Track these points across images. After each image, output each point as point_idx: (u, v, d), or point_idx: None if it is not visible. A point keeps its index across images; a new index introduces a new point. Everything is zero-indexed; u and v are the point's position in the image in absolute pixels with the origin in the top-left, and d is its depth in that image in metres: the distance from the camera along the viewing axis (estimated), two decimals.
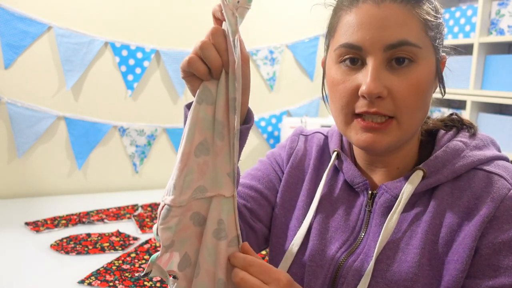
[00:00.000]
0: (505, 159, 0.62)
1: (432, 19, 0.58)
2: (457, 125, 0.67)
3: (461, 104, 2.20)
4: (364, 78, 0.56)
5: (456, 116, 0.69)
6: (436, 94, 0.67)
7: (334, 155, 0.70)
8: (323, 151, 0.75)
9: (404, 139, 0.60)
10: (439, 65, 0.61)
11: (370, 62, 0.56)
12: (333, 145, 0.72)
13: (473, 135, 0.65)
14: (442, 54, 0.63)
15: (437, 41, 0.59)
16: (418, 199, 0.61)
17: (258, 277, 0.52)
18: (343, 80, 0.59)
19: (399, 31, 0.55)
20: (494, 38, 1.96)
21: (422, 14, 0.57)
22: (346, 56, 0.59)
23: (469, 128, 0.66)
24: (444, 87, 0.65)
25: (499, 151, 0.65)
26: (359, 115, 0.58)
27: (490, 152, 0.62)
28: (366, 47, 0.56)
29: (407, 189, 0.60)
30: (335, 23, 0.62)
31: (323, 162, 0.74)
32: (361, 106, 0.57)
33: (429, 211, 0.59)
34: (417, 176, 0.60)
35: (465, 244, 0.55)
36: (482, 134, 0.66)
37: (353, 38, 0.57)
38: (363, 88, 0.56)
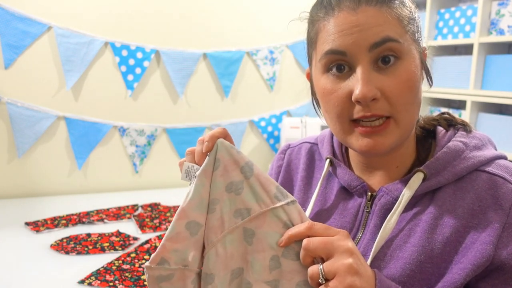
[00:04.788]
0: (504, 157, 0.63)
1: (408, 14, 0.59)
2: (452, 123, 0.68)
3: (461, 104, 2.19)
4: (356, 83, 0.56)
5: (448, 115, 0.69)
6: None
7: (327, 162, 0.70)
8: (312, 160, 0.76)
9: (404, 137, 0.60)
10: (422, 57, 0.62)
11: (358, 66, 0.57)
12: (325, 152, 0.73)
13: (469, 132, 0.65)
14: (423, 46, 0.64)
15: (416, 34, 0.61)
16: (418, 200, 0.61)
17: (323, 234, 0.53)
18: (334, 89, 0.59)
19: (380, 29, 0.56)
20: (494, 38, 1.96)
21: (398, 11, 0.58)
22: (332, 64, 0.59)
23: (464, 126, 0.66)
24: (431, 78, 0.66)
25: (495, 149, 0.65)
26: (356, 121, 0.59)
27: (490, 152, 0.62)
28: (351, 51, 0.57)
29: (407, 191, 0.60)
30: (314, 34, 0.62)
31: (312, 170, 0.75)
32: (357, 111, 0.57)
33: (430, 211, 0.59)
34: (418, 178, 0.60)
35: (476, 249, 0.55)
36: (479, 133, 0.66)
37: (335, 44, 0.57)
38: (356, 93, 0.56)
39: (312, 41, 0.64)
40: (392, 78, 0.57)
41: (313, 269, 0.52)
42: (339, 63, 0.58)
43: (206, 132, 2.50)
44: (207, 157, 0.57)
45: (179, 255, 0.56)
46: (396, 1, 0.58)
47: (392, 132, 0.58)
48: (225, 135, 0.59)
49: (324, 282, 0.50)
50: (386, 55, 0.57)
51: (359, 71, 0.56)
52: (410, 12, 0.60)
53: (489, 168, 0.60)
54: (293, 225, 0.56)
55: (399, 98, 0.57)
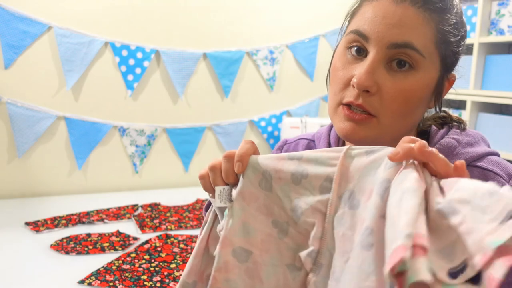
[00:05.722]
0: (496, 154, 0.63)
1: (450, 32, 0.57)
2: (448, 121, 0.68)
3: (461, 104, 2.20)
4: (360, 69, 0.57)
5: (445, 113, 0.70)
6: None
7: None
8: None
9: (382, 139, 0.60)
10: (442, 83, 0.61)
11: (371, 55, 0.57)
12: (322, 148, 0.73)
13: (463, 130, 0.65)
14: (452, 73, 0.62)
15: (448, 58, 0.59)
16: None
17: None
18: (343, 67, 0.60)
19: (408, 33, 0.55)
20: (494, 38, 1.96)
21: (439, 25, 0.57)
22: (354, 44, 0.60)
23: (459, 124, 0.67)
24: (440, 106, 0.65)
25: (489, 147, 0.66)
26: (346, 104, 0.60)
27: (482, 148, 0.63)
28: (373, 39, 0.57)
29: None
30: (356, 10, 0.63)
31: None
32: (349, 96, 0.59)
33: None
34: None
35: None
36: (472, 131, 0.66)
37: (363, 27, 0.58)
38: (354, 79, 0.57)
39: (351, 15, 0.64)
40: (395, 82, 0.57)
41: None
42: (360, 46, 0.59)
43: (206, 132, 2.50)
44: (241, 177, 0.53)
45: (232, 284, 0.52)
46: (444, 15, 0.57)
47: (370, 127, 0.59)
48: (255, 149, 0.54)
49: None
50: (402, 59, 0.56)
51: (368, 59, 0.57)
52: (454, 32, 0.58)
53: (481, 163, 0.60)
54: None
55: (392, 102, 0.57)
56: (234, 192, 0.53)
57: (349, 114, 0.59)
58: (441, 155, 0.41)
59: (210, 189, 0.55)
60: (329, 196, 0.49)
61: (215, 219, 0.56)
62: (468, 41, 2.04)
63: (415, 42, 0.55)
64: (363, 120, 0.58)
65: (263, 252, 0.53)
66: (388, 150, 0.45)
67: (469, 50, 2.08)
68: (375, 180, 0.45)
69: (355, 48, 0.59)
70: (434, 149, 0.41)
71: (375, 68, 0.56)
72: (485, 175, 0.59)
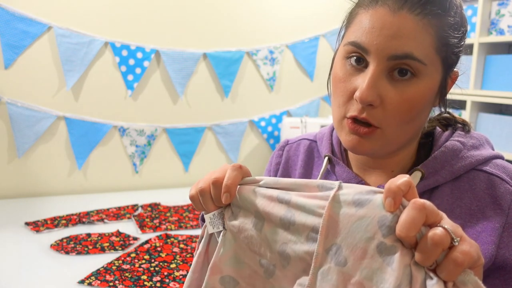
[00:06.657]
0: (501, 157, 0.63)
1: (451, 34, 0.57)
2: (452, 123, 0.68)
3: (461, 104, 2.20)
4: (361, 83, 0.56)
5: (449, 115, 0.69)
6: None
7: (325, 160, 0.71)
8: (310, 157, 0.76)
9: (389, 148, 0.60)
10: (445, 83, 0.61)
11: (371, 68, 0.56)
12: (324, 150, 0.73)
13: (468, 132, 0.65)
14: (454, 70, 0.62)
15: (449, 59, 0.58)
16: None
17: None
18: (344, 79, 0.59)
19: (407, 43, 0.54)
20: (494, 38, 1.96)
21: (439, 29, 0.56)
22: (353, 54, 0.59)
23: (463, 125, 0.66)
24: (445, 106, 0.65)
25: (493, 149, 0.65)
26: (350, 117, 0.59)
27: (487, 151, 0.62)
28: (372, 52, 0.56)
29: None
30: (352, 17, 0.62)
31: (311, 167, 0.75)
32: (353, 110, 0.58)
33: None
34: (416, 177, 0.60)
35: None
36: (477, 133, 0.66)
37: (361, 39, 0.57)
38: (356, 94, 0.56)
39: (347, 22, 0.63)
40: (399, 92, 0.56)
41: (439, 232, 0.39)
42: (359, 56, 0.58)
43: (206, 132, 2.50)
44: (232, 207, 0.53)
45: None
46: (442, 17, 0.56)
47: (376, 140, 0.58)
48: (244, 173, 0.53)
49: (457, 243, 0.40)
50: (404, 68, 0.56)
51: (369, 73, 0.56)
52: (455, 33, 0.57)
53: (487, 168, 0.60)
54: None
55: (395, 113, 0.56)
56: (226, 216, 0.53)
57: (354, 127, 0.58)
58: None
59: (202, 209, 0.56)
60: (315, 247, 0.47)
61: (211, 235, 0.56)
62: (468, 41, 2.04)
63: (415, 52, 0.54)
64: (367, 134, 0.58)
65: (249, 286, 0.53)
66: (377, 201, 0.43)
67: (469, 50, 2.08)
68: (367, 240, 0.43)
69: (355, 58, 0.58)
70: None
71: (376, 80, 0.56)
72: (490, 180, 0.59)
